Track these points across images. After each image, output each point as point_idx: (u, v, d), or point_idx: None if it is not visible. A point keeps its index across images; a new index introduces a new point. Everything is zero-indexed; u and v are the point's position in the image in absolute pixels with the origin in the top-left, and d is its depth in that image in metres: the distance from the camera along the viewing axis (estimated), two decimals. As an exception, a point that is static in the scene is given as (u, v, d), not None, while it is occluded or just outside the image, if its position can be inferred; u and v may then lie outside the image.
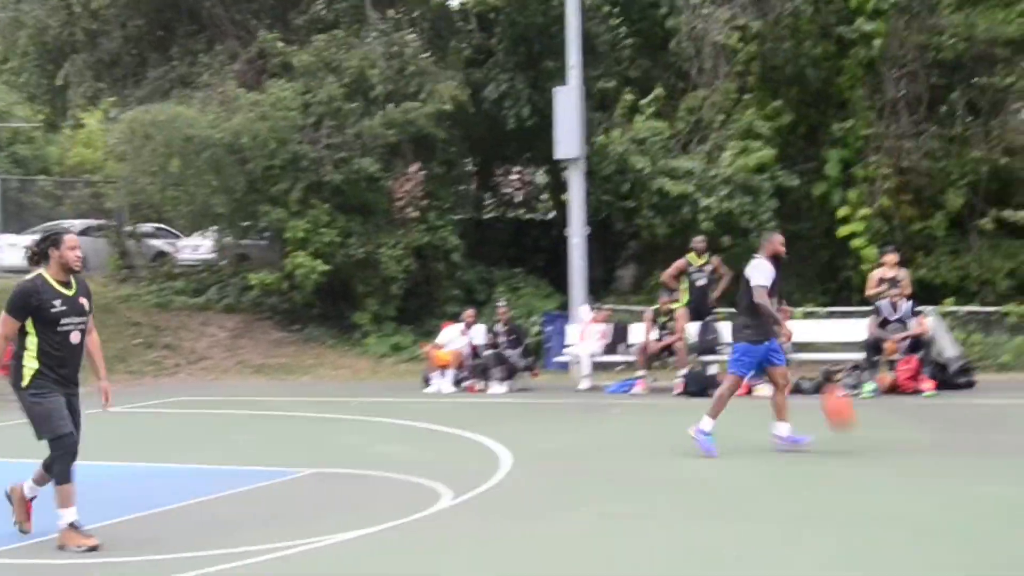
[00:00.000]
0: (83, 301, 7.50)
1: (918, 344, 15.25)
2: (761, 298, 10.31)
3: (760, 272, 10.44)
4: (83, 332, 7.46)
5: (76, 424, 7.42)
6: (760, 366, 10.72)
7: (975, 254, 21.18)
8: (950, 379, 15.41)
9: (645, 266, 24.85)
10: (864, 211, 21.23)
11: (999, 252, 21.15)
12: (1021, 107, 21.99)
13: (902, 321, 15.46)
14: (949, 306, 18.54)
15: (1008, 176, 21.94)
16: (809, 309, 19.43)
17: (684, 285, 17.54)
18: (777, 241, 10.78)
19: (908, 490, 8.56)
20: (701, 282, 17.42)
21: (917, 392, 14.84)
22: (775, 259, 10.62)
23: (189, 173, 22.40)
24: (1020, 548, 6.61)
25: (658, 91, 22.48)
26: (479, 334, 18.21)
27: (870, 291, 16.45)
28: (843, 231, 21.35)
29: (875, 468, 9.57)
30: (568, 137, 19.48)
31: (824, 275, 22.66)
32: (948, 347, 16.18)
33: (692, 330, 16.95)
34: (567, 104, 19.54)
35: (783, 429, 10.56)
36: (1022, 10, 20.96)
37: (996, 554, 6.49)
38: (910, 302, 15.68)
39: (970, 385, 15.56)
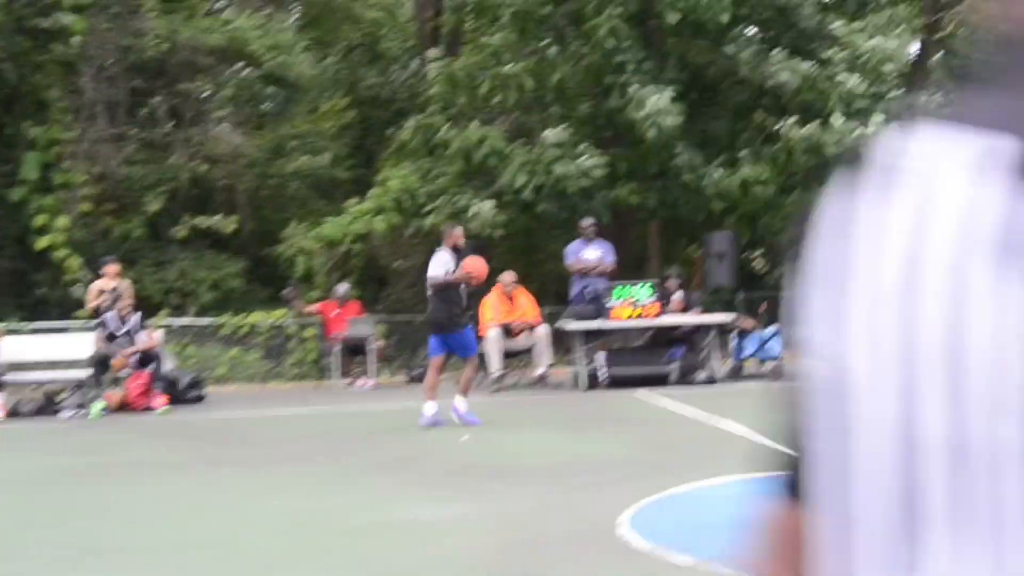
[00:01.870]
0: None
1: (148, 358, 14.58)
2: (441, 282, 11.25)
3: (436, 263, 11.36)
4: None
5: None
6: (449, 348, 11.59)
7: (179, 265, 20.93)
8: (181, 394, 14.98)
9: None
10: (63, 219, 20.00)
11: (203, 263, 21.12)
12: (223, 116, 22.17)
13: (130, 335, 14.68)
14: (163, 318, 18.01)
15: (208, 184, 22.05)
16: (12, 326, 17.75)
17: None
18: (457, 234, 11.69)
19: (184, 512, 7.74)
20: None
21: (149, 408, 14.19)
22: (455, 250, 11.49)
23: None
24: (314, 558, 6.20)
25: None
26: None
27: (91, 304, 15.62)
28: (42, 241, 19.90)
29: (135, 492, 8.63)
30: None
31: (20, 288, 20.94)
32: (168, 361, 15.73)
33: None
34: None
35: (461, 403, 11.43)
36: (225, 20, 21.16)
37: (295, 568, 6.05)
38: (138, 314, 14.98)
39: (200, 399, 15.29)
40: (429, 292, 11.62)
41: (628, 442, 10.12)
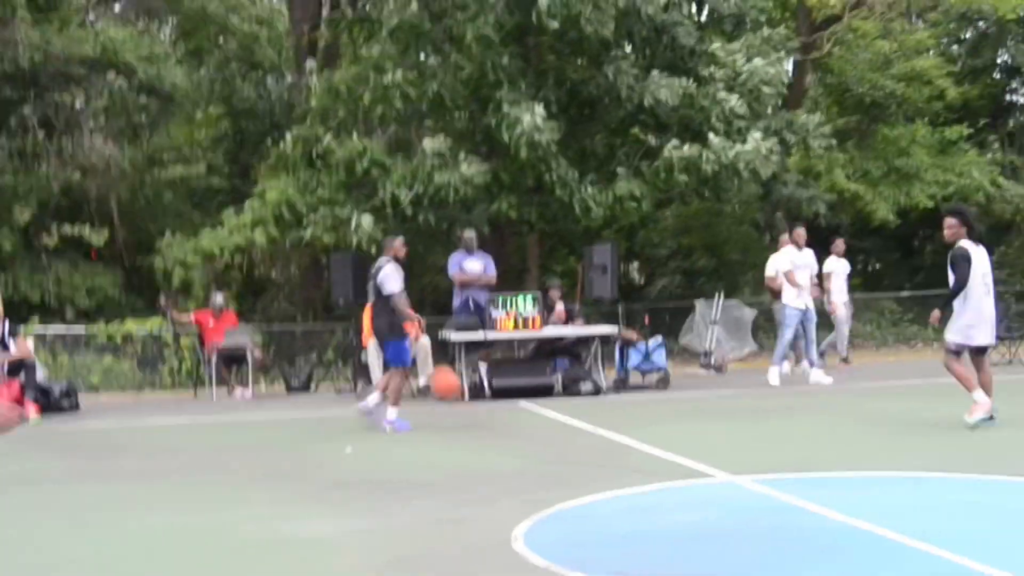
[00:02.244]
0: None
1: (19, 367, 14.13)
2: (399, 302, 11.66)
3: (391, 279, 11.66)
4: None
5: None
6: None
7: (52, 272, 20.36)
8: (53, 403, 14.62)
9: None
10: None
11: (78, 270, 20.58)
12: (95, 126, 21.56)
13: (3, 344, 14.22)
14: (35, 326, 17.47)
15: (81, 194, 21.48)
16: None
17: None
18: (397, 245, 12.09)
19: (55, 529, 7.47)
20: None
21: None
22: (398, 260, 11.90)
23: None
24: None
25: None
26: None
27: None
28: None
29: (12, 506, 8.36)
30: None
31: None
32: (40, 369, 15.26)
33: None
34: None
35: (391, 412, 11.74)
36: (98, 31, 20.70)
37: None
38: (7, 322, 14.49)
39: (75, 408, 14.94)
40: (372, 300, 11.95)
41: (517, 454, 10.03)
